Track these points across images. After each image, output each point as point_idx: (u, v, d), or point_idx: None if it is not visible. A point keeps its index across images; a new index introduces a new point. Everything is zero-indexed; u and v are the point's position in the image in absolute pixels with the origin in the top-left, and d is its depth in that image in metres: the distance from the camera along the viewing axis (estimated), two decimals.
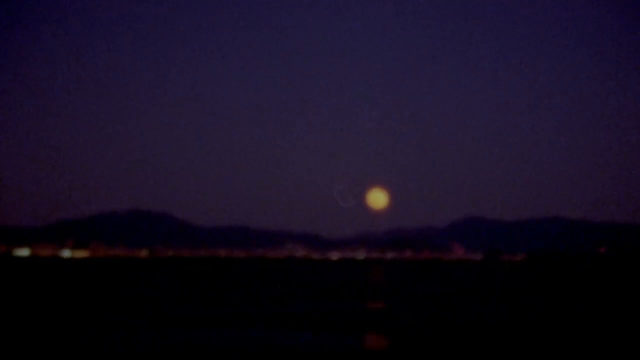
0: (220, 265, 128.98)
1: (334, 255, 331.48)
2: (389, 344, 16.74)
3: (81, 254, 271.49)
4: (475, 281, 58.88)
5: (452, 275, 75.84)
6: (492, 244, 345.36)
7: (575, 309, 26.91)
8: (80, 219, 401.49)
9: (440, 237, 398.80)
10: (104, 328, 18.75)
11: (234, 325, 19.92)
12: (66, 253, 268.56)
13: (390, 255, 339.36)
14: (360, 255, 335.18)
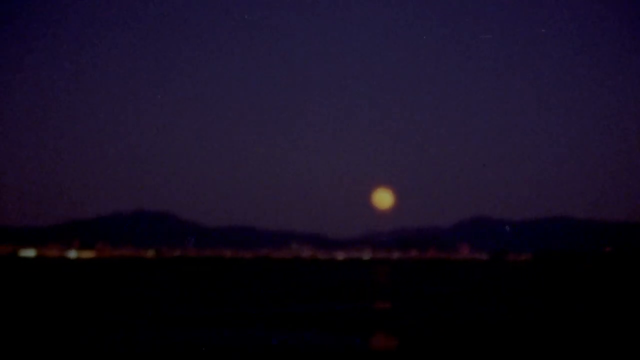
0: (225, 265, 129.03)
1: (340, 256, 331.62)
2: (395, 344, 16.55)
3: (87, 254, 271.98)
4: (481, 281, 58.71)
5: (458, 275, 75.67)
6: (498, 244, 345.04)
7: (576, 309, 26.72)
8: (86, 220, 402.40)
9: (446, 237, 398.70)
10: (105, 328, 18.61)
11: (236, 325, 19.78)
12: (72, 254, 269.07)
13: (396, 255, 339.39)
14: (366, 255, 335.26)
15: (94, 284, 44.14)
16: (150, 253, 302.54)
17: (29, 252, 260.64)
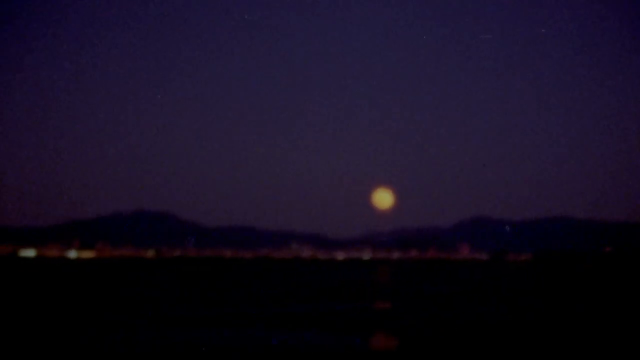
0: (225, 265, 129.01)
1: (340, 256, 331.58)
2: (395, 344, 16.55)
3: (87, 254, 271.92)
4: (481, 281, 58.71)
5: (458, 275, 75.66)
6: (498, 244, 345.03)
7: (576, 309, 26.71)
8: (86, 220, 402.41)
9: (446, 237, 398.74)
10: (105, 328, 18.60)
11: (236, 325, 19.77)
12: (72, 254, 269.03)
13: (396, 255, 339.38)
14: (366, 255, 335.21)
15: (94, 284, 44.13)
16: (150, 253, 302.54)
17: (29, 252, 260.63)
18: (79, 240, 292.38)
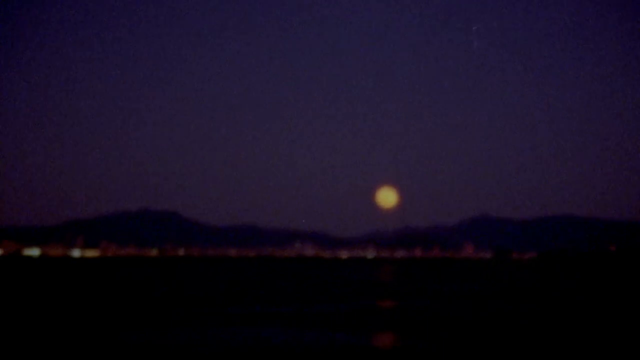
0: (229, 264, 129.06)
1: (344, 254, 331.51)
2: (399, 342, 16.51)
3: (91, 253, 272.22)
4: (485, 280, 58.67)
5: (461, 274, 75.60)
6: (501, 242, 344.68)
7: (581, 308, 26.66)
8: (90, 219, 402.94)
9: (451, 236, 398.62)
10: (105, 328, 18.60)
11: (239, 324, 19.75)
12: (76, 253, 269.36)
13: (400, 253, 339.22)
14: (370, 253, 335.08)
15: (97, 284, 44.16)
16: (154, 252, 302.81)
17: (34, 251, 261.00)
18: (83, 239, 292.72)
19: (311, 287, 42.01)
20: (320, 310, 25.00)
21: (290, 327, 19.19)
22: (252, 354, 14.21)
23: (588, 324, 20.69)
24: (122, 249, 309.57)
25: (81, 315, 21.79)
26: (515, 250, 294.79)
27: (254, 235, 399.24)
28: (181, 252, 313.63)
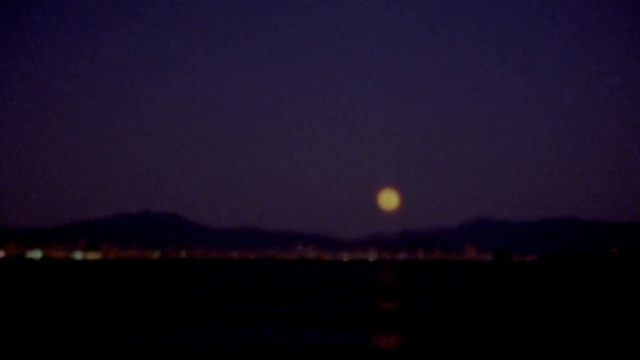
0: (230, 266, 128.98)
1: (345, 256, 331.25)
2: (400, 343, 16.60)
3: (93, 256, 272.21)
4: (486, 282, 58.66)
5: (462, 277, 75.58)
6: (502, 244, 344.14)
7: (582, 309, 26.71)
8: (92, 221, 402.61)
9: (452, 238, 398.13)
10: (105, 328, 18.68)
11: (241, 324, 19.83)
12: (78, 255, 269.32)
13: (401, 256, 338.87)
14: (372, 256, 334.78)
15: (99, 285, 44.21)
16: (156, 254, 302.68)
17: (36, 254, 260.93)
18: (85, 241, 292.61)
19: (311, 288, 42.04)
20: (320, 310, 25.07)
21: (290, 327, 19.26)
22: (252, 354, 14.30)
23: (588, 324, 20.76)
24: (124, 251, 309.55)
25: (82, 316, 21.89)
26: (516, 253, 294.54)
27: (256, 237, 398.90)
28: (183, 254, 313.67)
